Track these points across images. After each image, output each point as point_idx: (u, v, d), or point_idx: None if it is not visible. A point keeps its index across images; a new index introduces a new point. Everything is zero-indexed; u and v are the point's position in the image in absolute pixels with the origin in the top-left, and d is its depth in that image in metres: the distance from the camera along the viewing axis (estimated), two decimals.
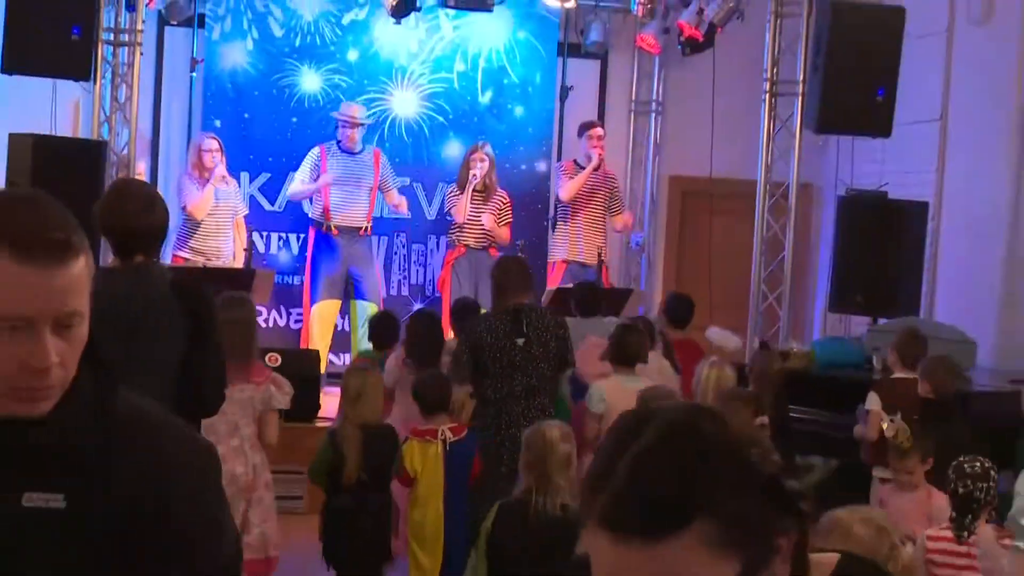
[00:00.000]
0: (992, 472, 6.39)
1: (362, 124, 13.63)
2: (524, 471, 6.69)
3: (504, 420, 8.38)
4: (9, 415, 2.42)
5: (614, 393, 8.81)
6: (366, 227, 13.63)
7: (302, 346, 13.22)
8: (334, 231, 13.40)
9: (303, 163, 13.50)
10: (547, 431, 6.60)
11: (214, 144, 13.15)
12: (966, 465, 6.47)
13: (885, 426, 7.67)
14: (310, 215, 13.67)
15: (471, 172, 13.44)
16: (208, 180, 12.93)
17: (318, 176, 13.30)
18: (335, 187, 13.36)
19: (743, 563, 2.01)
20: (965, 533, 6.25)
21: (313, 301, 13.48)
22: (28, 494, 2.45)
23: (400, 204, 13.70)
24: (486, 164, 13.54)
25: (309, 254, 13.66)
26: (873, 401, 9.79)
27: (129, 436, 2.57)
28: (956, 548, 6.21)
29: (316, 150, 13.57)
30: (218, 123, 14.12)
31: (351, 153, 13.52)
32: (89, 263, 2.49)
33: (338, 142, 13.54)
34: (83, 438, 2.49)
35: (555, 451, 6.46)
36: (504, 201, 13.75)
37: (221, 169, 13.03)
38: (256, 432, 7.93)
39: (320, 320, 13.27)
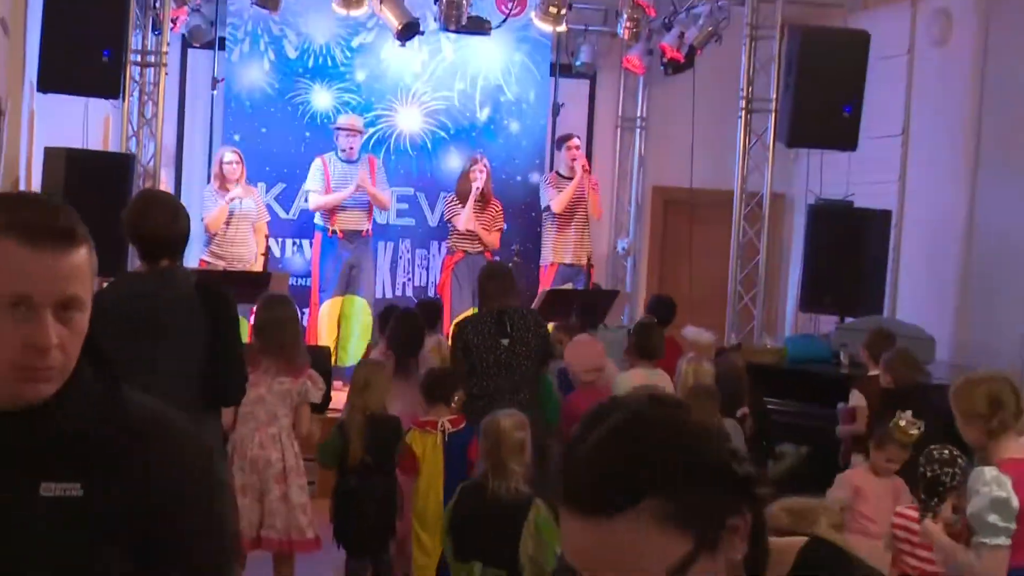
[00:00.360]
0: (959, 459, 6.39)
1: (361, 132, 13.71)
2: (483, 457, 6.76)
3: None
4: (16, 406, 2.42)
5: (639, 383, 8.92)
6: (367, 229, 13.68)
7: (309, 343, 13.27)
8: (339, 234, 13.47)
9: (310, 175, 13.53)
10: (501, 421, 6.62)
11: (234, 157, 13.21)
12: (935, 451, 6.50)
13: (903, 423, 7.65)
14: (315, 220, 13.69)
15: (473, 184, 13.52)
16: (228, 191, 13.03)
17: (325, 184, 13.38)
18: (338, 193, 13.44)
19: (694, 540, 2.06)
20: (931, 513, 6.28)
21: (321, 301, 13.53)
22: (45, 484, 2.44)
23: (379, 198, 13.65)
24: (484, 175, 13.69)
25: (315, 257, 13.69)
26: (857, 398, 9.85)
27: (140, 430, 2.57)
28: (916, 527, 6.23)
29: (318, 161, 13.58)
30: (237, 137, 14.13)
31: (350, 161, 13.54)
32: (92, 257, 2.52)
33: (338, 152, 13.58)
34: (94, 428, 2.49)
35: (508, 439, 6.50)
36: (497, 209, 13.89)
37: (240, 181, 13.12)
38: (292, 423, 7.97)
39: (328, 318, 13.31)
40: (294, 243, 14.48)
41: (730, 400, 9.68)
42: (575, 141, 14.35)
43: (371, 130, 14.36)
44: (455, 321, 9.63)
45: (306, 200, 13.89)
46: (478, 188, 13.54)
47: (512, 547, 6.30)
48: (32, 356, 2.41)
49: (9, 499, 2.44)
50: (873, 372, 9.80)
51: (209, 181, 13.66)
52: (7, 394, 2.42)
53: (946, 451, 6.37)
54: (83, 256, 2.49)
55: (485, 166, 13.77)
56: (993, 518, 5.32)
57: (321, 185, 13.41)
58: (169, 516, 2.56)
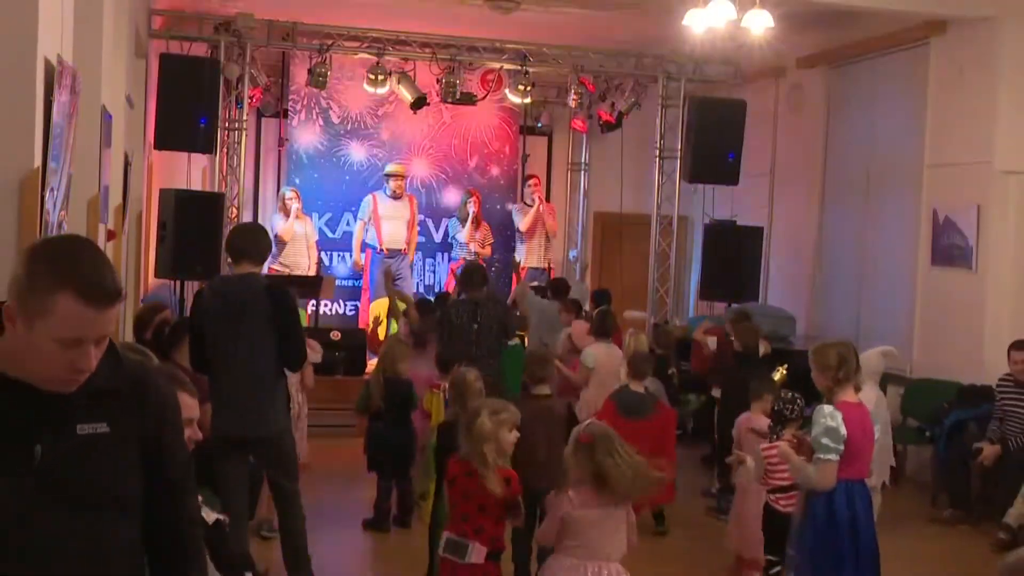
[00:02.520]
0: (799, 400, 6.50)
1: (406, 177, 13.92)
2: (452, 402, 6.84)
3: None
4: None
5: (600, 354, 9.40)
6: (405, 248, 13.73)
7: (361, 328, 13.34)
8: (385, 251, 13.52)
9: (362, 207, 13.77)
10: (466, 375, 6.66)
11: (293, 194, 13.40)
12: (783, 393, 6.66)
13: (777, 376, 7.79)
14: (367, 241, 13.74)
15: (470, 210, 14.03)
16: (289, 215, 13.21)
17: (374, 216, 13.53)
18: (384, 221, 13.52)
19: None
20: (775, 436, 6.39)
21: (371, 299, 13.61)
22: (80, 425, 2.49)
23: (412, 241, 14.02)
24: (476, 204, 13.99)
25: (366, 269, 13.75)
26: (712, 343, 10.39)
27: (136, 380, 2.62)
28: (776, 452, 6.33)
29: (369, 198, 13.74)
30: (297, 181, 14.16)
31: (395, 198, 13.65)
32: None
33: (386, 191, 13.72)
34: (108, 384, 2.53)
35: (471, 387, 6.53)
36: (487, 230, 14.11)
37: (298, 211, 13.28)
38: (299, 379, 7.94)
39: (375, 311, 13.20)
40: (339, 255, 14.46)
41: (664, 363, 10.02)
42: (535, 180, 14.68)
43: None
44: (448, 303, 9.67)
45: (348, 224, 14.04)
46: (474, 212, 13.94)
47: None
48: (75, 374, 2.44)
49: (54, 439, 2.46)
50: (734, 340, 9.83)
51: (276, 210, 13.71)
52: (52, 385, 2.46)
53: (790, 394, 6.55)
54: (119, 305, 2.49)
55: (478, 198, 13.97)
56: (826, 440, 5.42)
57: (369, 215, 13.64)
58: (161, 433, 2.65)
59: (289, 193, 13.43)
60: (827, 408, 5.46)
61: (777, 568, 6.51)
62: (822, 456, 5.45)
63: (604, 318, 9.90)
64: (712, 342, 10.46)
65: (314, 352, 8.08)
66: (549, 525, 5.07)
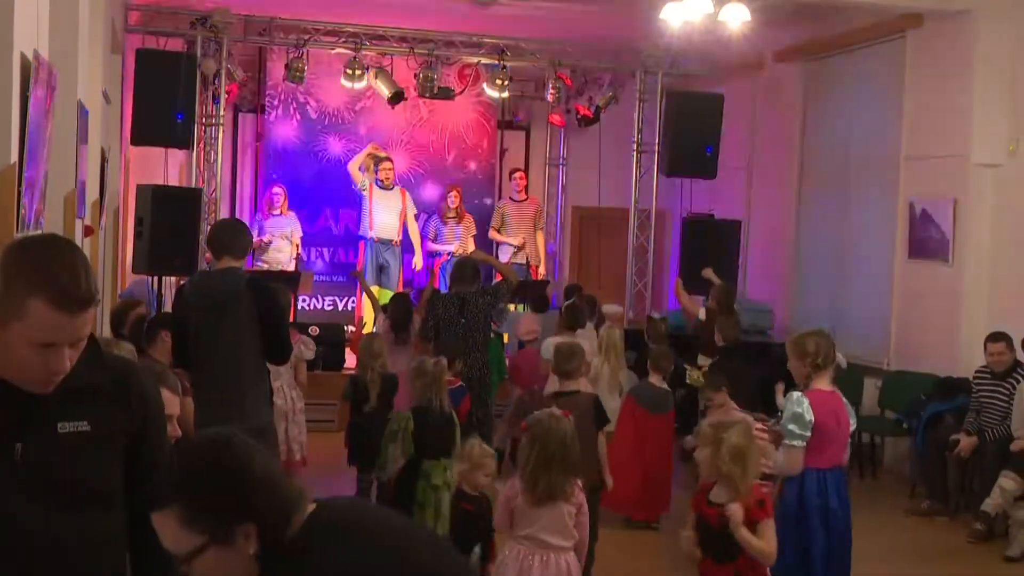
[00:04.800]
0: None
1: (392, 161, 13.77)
2: (421, 390, 6.89)
3: None
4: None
5: (559, 344, 9.10)
6: (396, 239, 13.66)
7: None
8: (376, 240, 13.48)
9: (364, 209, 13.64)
10: (431, 366, 6.92)
11: (279, 190, 13.44)
12: None
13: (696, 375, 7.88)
14: (360, 231, 13.69)
15: (449, 204, 14.06)
16: (272, 215, 13.22)
17: (369, 213, 13.51)
18: (376, 211, 13.47)
19: (205, 537, 2.13)
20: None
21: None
22: (61, 424, 2.50)
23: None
24: (457, 198, 14.00)
25: (361, 258, 13.68)
26: (702, 313, 10.50)
27: (117, 376, 2.63)
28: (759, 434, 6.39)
29: (365, 199, 13.61)
30: (275, 176, 14.12)
31: (386, 188, 13.60)
32: (97, 304, 2.51)
33: (376, 181, 13.60)
34: (88, 381, 2.53)
35: (440, 378, 6.85)
36: (470, 221, 14.15)
37: (283, 207, 13.33)
38: (293, 376, 7.94)
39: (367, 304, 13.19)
40: (316, 250, 14.43)
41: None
42: (519, 174, 14.63)
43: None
44: (431, 295, 9.62)
45: (326, 219, 14.03)
46: (455, 206, 14.01)
47: (447, 445, 6.76)
48: (51, 375, 2.45)
49: (35, 439, 2.47)
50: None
51: (256, 206, 13.66)
52: (29, 386, 2.46)
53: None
54: (94, 309, 2.48)
55: (458, 193, 13.97)
56: (792, 427, 5.49)
57: (366, 214, 13.52)
58: (145, 428, 2.67)
59: (275, 189, 13.46)
60: (795, 395, 5.54)
61: None
62: (788, 442, 5.53)
63: (572, 311, 9.88)
64: (702, 313, 10.53)
65: (307, 349, 8.09)
66: (500, 513, 5.15)
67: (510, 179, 14.74)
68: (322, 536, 2.19)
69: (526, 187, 14.74)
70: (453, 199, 14.07)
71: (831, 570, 5.62)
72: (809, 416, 5.45)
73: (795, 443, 5.49)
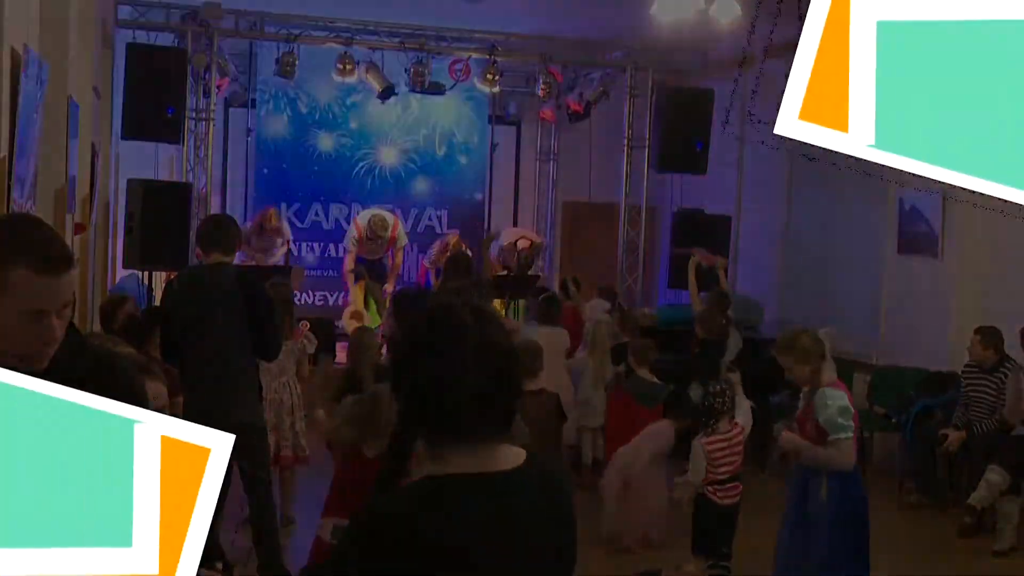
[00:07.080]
0: (727, 392, 6.56)
1: (383, 238, 13.32)
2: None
3: None
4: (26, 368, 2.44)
5: (543, 337, 9.09)
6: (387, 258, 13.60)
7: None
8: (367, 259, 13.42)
9: (347, 237, 13.42)
10: (362, 335, 7.10)
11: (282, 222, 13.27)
12: (710, 387, 6.69)
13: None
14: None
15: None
16: (271, 236, 12.97)
17: (359, 241, 13.22)
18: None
19: None
20: (710, 430, 6.45)
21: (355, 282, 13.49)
22: None
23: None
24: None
25: (353, 255, 13.65)
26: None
27: (107, 367, 2.65)
28: (720, 443, 6.42)
29: (352, 227, 13.40)
30: (265, 171, 14.12)
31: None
32: (76, 266, 2.52)
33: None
34: (72, 367, 2.49)
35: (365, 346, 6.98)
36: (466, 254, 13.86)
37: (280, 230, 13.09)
38: (296, 370, 7.95)
39: (356, 296, 13.23)
40: (307, 245, 14.42)
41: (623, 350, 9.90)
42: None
43: (361, 164, 14.39)
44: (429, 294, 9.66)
45: (316, 215, 14.03)
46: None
47: None
48: (42, 346, 2.47)
49: None
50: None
51: (246, 203, 13.63)
52: (22, 363, 2.43)
53: (719, 386, 6.56)
54: (76, 271, 2.50)
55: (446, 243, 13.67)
56: (841, 420, 5.41)
57: (354, 243, 13.29)
58: None
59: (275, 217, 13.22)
60: (829, 391, 5.47)
61: (725, 564, 6.54)
62: (841, 436, 5.43)
63: (548, 303, 9.91)
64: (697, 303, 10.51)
65: (309, 343, 8.11)
66: None
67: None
68: None
69: None
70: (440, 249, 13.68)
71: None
72: (851, 407, 5.45)
73: (846, 435, 5.43)
